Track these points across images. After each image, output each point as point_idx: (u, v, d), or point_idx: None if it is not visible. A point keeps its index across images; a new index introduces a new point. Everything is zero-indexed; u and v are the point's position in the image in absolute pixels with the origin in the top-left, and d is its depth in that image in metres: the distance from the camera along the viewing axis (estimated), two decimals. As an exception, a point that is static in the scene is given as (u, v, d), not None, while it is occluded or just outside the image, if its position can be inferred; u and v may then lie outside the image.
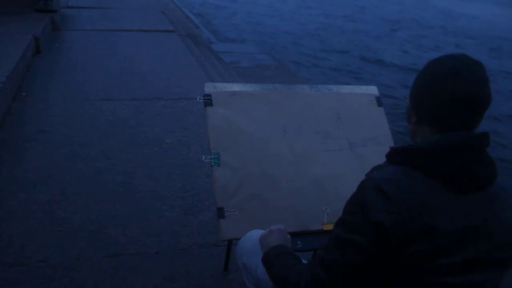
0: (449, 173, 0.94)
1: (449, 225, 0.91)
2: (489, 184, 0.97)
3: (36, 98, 3.65)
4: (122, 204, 2.38)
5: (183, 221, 2.28)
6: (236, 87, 1.81)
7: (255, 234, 1.42)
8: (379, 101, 1.96)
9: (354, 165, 1.76)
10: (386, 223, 0.90)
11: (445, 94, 0.96)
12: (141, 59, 4.91)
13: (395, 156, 1.01)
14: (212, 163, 1.64)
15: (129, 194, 2.47)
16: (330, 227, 1.60)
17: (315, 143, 1.77)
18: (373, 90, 1.98)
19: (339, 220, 1.01)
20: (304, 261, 1.18)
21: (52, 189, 2.45)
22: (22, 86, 3.85)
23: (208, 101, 1.73)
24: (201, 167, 2.75)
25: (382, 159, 1.14)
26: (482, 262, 0.96)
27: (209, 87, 1.77)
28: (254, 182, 1.64)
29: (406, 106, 1.12)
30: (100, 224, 2.20)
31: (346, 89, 1.95)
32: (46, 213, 2.25)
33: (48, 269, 1.90)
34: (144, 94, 3.90)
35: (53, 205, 2.32)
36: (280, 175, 1.68)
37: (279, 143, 1.73)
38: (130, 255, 2.03)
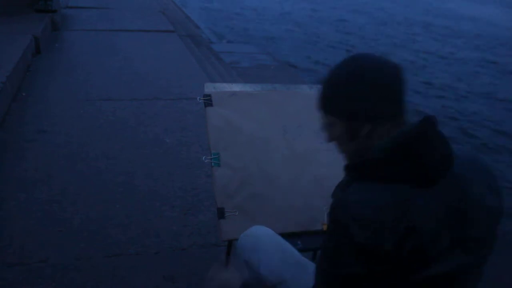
0: (409, 173, 0.93)
1: (426, 221, 0.91)
2: (448, 169, 0.97)
3: (36, 98, 3.65)
4: (122, 204, 2.38)
5: (183, 221, 2.29)
6: (236, 87, 1.81)
7: (255, 230, 1.42)
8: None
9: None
10: (368, 247, 0.89)
11: (376, 83, 0.98)
12: (141, 59, 4.91)
13: (354, 172, 1.01)
14: (212, 163, 1.64)
15: (129, 194, 2.47)
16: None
17: (315, 143, 1.77)
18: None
19: (324, 252, 0.99)
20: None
21: (52, 189, 2.45)
22: (22, 86, 3.85)
23: (208, 101, 1.73)
24: (201, 167, 2.75)
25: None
26: (463, 247, 0.96)
27: (209, 87, 1.76)
28: (254, 182, 1.64)
29: (338, 130, 1.06)
30: (100, 224, 2.20)
31: (346, 89, 1.95)
32: (46, 213, 2.25)
33: (48, 269, 1.90)
34: (144, 94, 3.90)
35: (53, 205, 2.32)
36: (280, 175, 1.68)
37: (279, 143, 1.73)
38: (130, 255, 2.03)
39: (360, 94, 0.99)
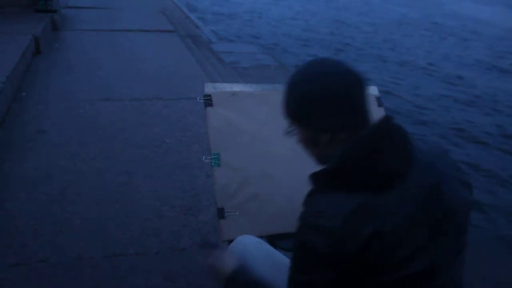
0: (364, 182, 0.94)
1: (390, 224, 0.92)
2: (407, 171, 0.96)
3: (36, 98, 3.65)
4: (122, 204, 2.38)
5: (183, 221, 2.29)
6: (236, 87, 1.81)
7: (242, 239, 1.42)
8: (379, 101, 1.96)
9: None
10: (332, 255, 0.92)
11: (337, 90, 0.97)
12: (141, 59, 4.91)
13: (316, 182, 1.02)
14: (212, 164, 1.64)
15: (129, 194, 2.47)
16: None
17: (315, 143, 1.77)
18: (373, 90, 1.98)
19: (293, 261, 1.01)
20: None
21: (52, 189, 2.45)
22: (22, 86, 3.85)
23: (208, 101, 1.73)
24: (201, 167, 2.75)
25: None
26: (440, 241, 0.97)
27: (209, 87, 1.76)
28: (255, 183, 1.64)
29: (302, 136, 1.09)
30: (100, 224, 2.20)
31: (346, 89, 1.95)
32: (46, 213, 2.25)
33: (48, 269, 1.90)
34: (144, 94, 3.90)
35: (53, 205, 2.32)
36: (281, 175, 1.68)
37: (279, 143, 1.73)
38: (130, 255, 2.03)
39: (315, 106, 0.99)
